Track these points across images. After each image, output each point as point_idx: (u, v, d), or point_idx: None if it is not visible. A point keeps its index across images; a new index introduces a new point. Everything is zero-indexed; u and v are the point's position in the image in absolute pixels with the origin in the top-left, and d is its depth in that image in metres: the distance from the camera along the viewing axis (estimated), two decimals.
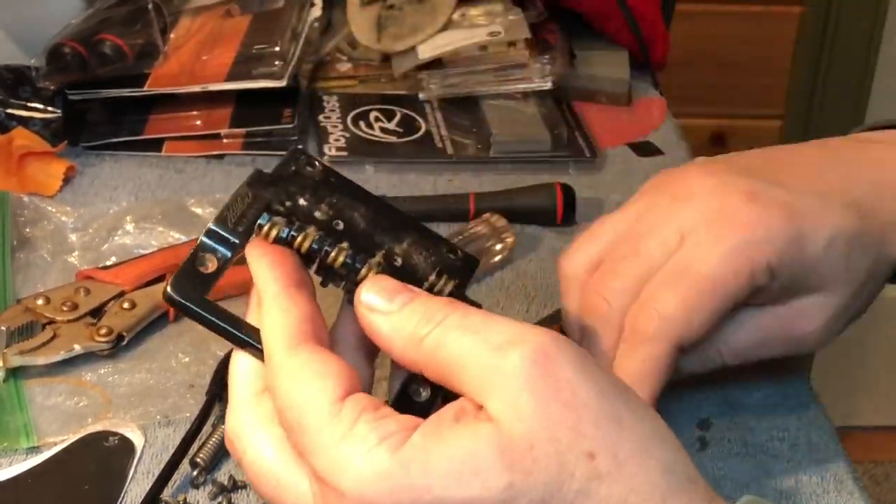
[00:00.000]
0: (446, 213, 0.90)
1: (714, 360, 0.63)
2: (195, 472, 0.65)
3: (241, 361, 0.49)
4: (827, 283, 0.62)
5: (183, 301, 0.48)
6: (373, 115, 1.03)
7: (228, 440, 0.49)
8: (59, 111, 0.96)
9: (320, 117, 1.02)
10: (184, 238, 0.84)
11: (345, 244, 0.50)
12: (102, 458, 0.66)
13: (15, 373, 0.71)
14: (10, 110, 0.96)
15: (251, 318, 0.50)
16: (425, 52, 1.04)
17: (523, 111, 1.03)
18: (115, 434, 0.67)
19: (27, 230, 0.85)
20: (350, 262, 0.50)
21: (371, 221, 0.51)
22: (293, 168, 0.52)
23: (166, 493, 0.63)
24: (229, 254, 0.49)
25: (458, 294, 0.52)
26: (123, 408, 0.70)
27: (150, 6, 1.01)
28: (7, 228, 0.83)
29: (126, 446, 0.67)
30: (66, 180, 0.92)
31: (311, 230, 0.50)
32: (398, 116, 1.03)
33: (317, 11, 1.10)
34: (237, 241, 0.50)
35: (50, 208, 0.87)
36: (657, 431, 0.45)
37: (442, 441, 0.43)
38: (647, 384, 0.58)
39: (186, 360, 0.74)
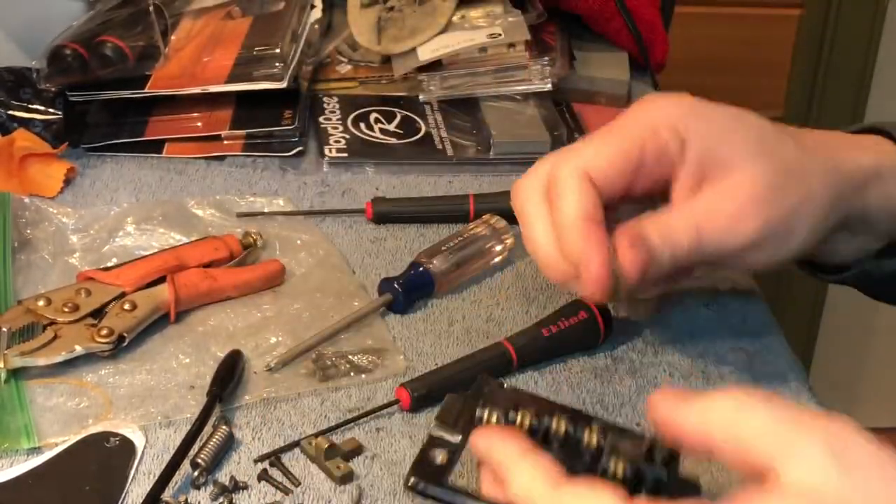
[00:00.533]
0: (446, 215, 0.90)
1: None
2: (196, 473, 0.65)
3: None
4: (738, 157, 0.65)
5: (427, 490, 0.56)
6: (373, 116, 1.03)
7: None
8: (59, 113, 0.96)
9: (321, 119, 1.02)
10: (184, 239, 0.84)
11: (563, 416, 0.57)
12: (103, 458, 0.66)
13: (16, 374, 0.72)
14: (11, 112, 0.96)
15: (487, 490, 0.54)
16: (425, 53, 1.05)
17: (523, 112, 1.03)
18: (115, 435, 0.67)
19: (28, 231, 0.85)
20: (571, 430, 0.57)
21: (569, 417, 0.58)
22: (486, 389, 0.60)
23: (167, 494, 0.63)
24: (455, 448, 0.57)
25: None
26: (124, 408, 0.70)
27: (151, 8, 1.01)
28: (8, 230, 0.83)
29: (127, 447, 0.67)
30: (67, 182, 0.92)
31: (526, 411, 0.57)
32: (398, 118, 1.03)
33: (317, 13, 1.11)
34: (460, 436, 0.57)
35: (51, 210, 0.88)
36: None
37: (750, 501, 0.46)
38: (573, 200, 0.64)
39: (187, 361, 0.74)
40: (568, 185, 0.64)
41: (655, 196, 0.68)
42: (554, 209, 0.65)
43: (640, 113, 0.67)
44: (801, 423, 0.46)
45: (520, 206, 0.68)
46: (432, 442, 0.58)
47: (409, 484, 0.56)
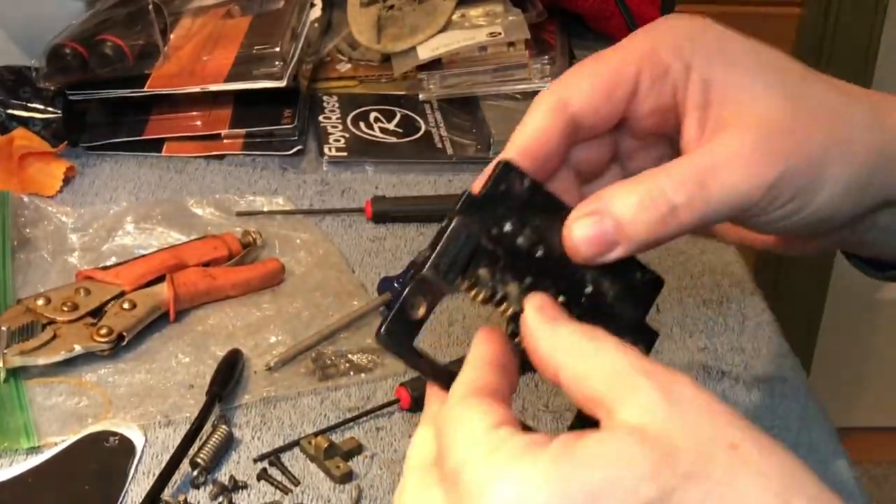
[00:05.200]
0: (446, 214, 0.89)
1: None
2: (195, 472, 0.65)
3: (417, 434, 0.51)
4: (755, 86, 0.55)
5: (394, 347, 0.51)
6: (373, 115, 1.03)
7: None
8: (59, 112, 0.96)
9: (320, 118, 1.02)
10: (184, 238, 0.84)
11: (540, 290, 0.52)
12: (103, 458, 0.66)
13: (15, 373, 0.72)
14: (10, 111, 0.96)
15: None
16: (425, 52, 1.04)
17: (523, 112, 1.03)
18: (115, 434, 0.67)
19: (27, 230, 0.85)
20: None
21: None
22: (503, 186, 0.54)
23: (167, 493, 0.63)
24: (438, 300, 0.51)
25: (639, 315, 0.53)
26: (124, 408, 0.70)
27: (150, 7, 1.01)
28: (7, 229, 0.83)
29: (126, 446, 0.67)
30: (67, 181, 0.92)
31: (512, 287, 0.52)
32: (398, 117, 1.03)
33: (317, 12, 1.11)
34: (446, 286, 0.52)
35: (50, 209, 0.88)
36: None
37: (583, 439, 0.44)
38: (538, 136, 0.56)
39: (186, 360, 0.74)
40: (531, 112, 0.57)
41: (673, 137, 0.57)
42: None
43: (642, 33, 0.57)
44: (640, 368, 0.46)
45: None
46: (417, 292, 0.52)
47: (379, 336, 0.51)
